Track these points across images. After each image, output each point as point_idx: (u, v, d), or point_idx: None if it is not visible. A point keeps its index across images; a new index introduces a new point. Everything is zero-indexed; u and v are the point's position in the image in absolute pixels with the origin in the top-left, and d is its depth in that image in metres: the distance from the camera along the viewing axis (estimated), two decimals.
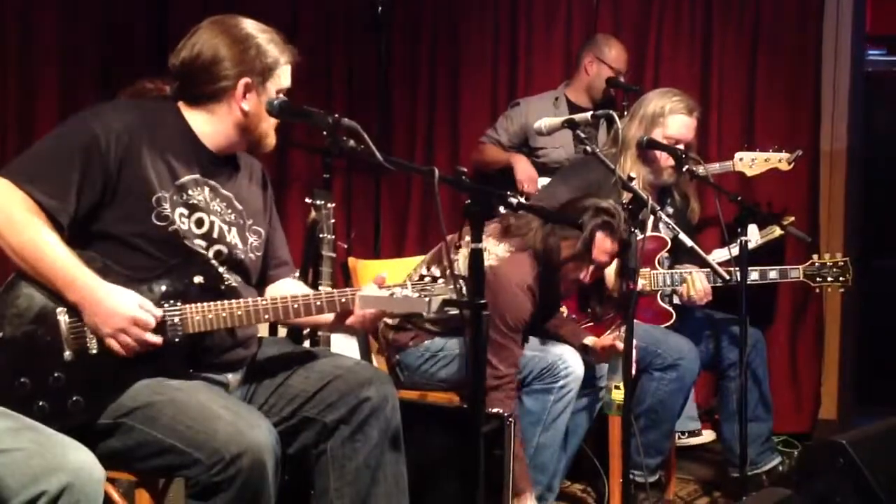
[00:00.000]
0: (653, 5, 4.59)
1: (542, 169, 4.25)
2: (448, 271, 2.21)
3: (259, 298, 2.23)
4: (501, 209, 2.14)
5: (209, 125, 2.26)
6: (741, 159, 3.93)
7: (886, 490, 2.50)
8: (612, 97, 4.37)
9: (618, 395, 3.02)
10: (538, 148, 4.28)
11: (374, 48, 4.66)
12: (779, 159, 3.91)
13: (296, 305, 2.21)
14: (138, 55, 4.42)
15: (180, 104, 2.27)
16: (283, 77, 2.28)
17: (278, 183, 4.52)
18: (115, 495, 2.15)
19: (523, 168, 4.23)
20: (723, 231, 3.17)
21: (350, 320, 2.32)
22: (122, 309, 2.05)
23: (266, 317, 2.21)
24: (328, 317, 2.34)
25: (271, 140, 2.33)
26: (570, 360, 3.06)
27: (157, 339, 2.08)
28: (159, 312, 2.10)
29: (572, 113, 3.62)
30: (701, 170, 3.28)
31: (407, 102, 4.98)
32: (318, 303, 2.23)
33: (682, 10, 4.56)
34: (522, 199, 2.16)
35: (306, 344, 3.06)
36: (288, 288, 2.45)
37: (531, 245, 2.98)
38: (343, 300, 2.24)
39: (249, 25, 2.27)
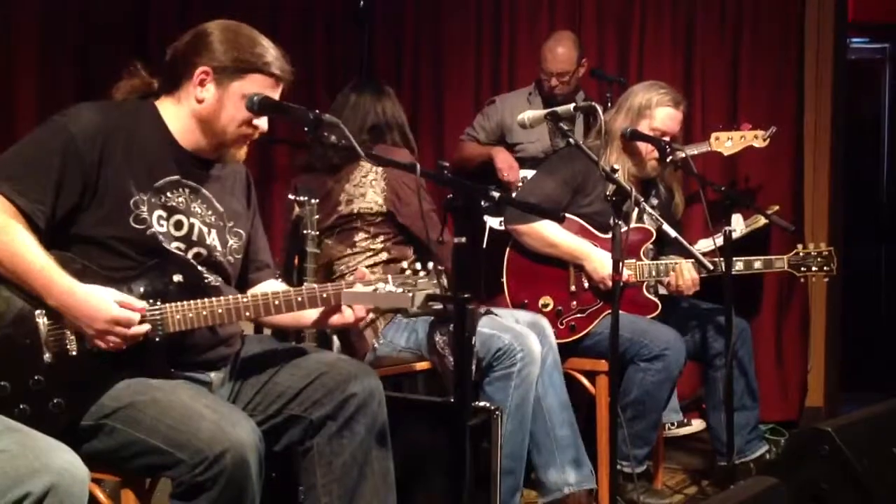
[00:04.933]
0: None
1: (521, 163, 4.29)
2: (432, 265, 2.20)
3: (240, 296, 2.22)
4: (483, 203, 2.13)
5: (177, 119, 2.22)
6: (717, 139, 3.99)
7: (872, 476, 2.51)
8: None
9: None
10: (515, 143, 4.34)
11: (357, 43, 4.64)
12: (754, 136, 3.97)
13: (276, 301, 2.20)
14: (116, 34, 4.36)
15: (159, 101, 2.25)
16: (253, 84, 2.19)
17: (262, 179, 4.49)
18: (101, 496, 2.14)
19: (503, 158, 4.27)
20: (707, 221, 3.17)
21: (334, 319, 2.31)
22: (102, 312, 2.03)
23: (247, 314, 2.20)
24: (312, 314, 2.33)
25: (239, 153, 2.27)
26: (526, 341, 3.04)
27: (143, 330, 2.07)
28: (141, 304, 2.08)
29: (547, 106, 3.62)
30: (685, 152, 3.28)
31: None
32: (300, 298, 2.22)
33: (664, 1, 4.55)
34: (503, 193, 2.15)
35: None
36: (270, 289, 2.43)
37: None
38: (325, 296, 2.23)
39: (258, 35, 2.23)
